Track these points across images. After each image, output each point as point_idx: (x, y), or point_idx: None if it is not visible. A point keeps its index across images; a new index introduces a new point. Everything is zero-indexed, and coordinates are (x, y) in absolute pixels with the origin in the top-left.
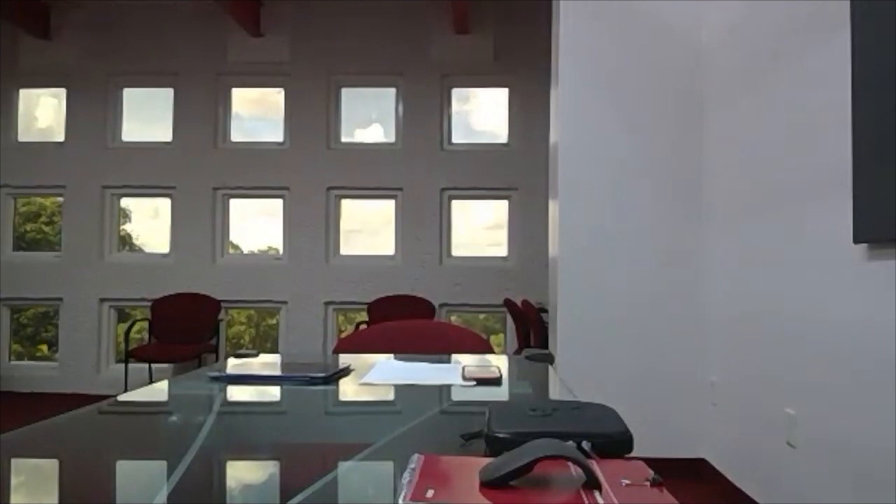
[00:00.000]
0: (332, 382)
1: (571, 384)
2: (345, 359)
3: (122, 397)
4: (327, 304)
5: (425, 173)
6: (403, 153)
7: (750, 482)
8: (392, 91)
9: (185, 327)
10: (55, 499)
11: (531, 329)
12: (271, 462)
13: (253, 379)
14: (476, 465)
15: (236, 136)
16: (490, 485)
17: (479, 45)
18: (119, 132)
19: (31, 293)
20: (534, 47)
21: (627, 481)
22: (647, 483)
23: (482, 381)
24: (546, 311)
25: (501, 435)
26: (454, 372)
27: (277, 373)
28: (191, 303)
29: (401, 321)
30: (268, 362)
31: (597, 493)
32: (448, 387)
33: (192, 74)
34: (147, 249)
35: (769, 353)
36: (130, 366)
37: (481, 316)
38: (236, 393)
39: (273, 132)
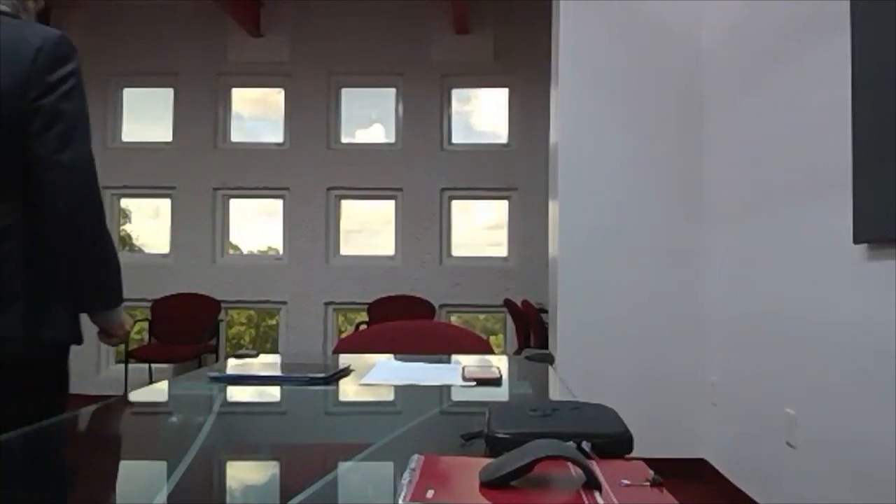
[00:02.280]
0: (332, 383)
1: (571, 384)
2: (345, 359)
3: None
4: (327, 304)
5: (425, 173)
6: (403, 153)
7: (750, 482)
8: (392, 91)
9: (185, 327)
10: (55, 499)
11: (531, 329)
12: (271, 462)
13: (253, 379)
14: (476, 465)
15: (236, 136)
16: (490, 485)
17: (479, 45)
18: (119, 132)
19: None
20: (534, 47)
21: (627, 481)
22: (647, 483)
23: (482, 382)
24: (546, 311)
25: (501, 435)
26: (454, 372)
27: (277, 373)
28: (191, 303)
29: (401, 321)
30: (268, 363)
31: (597, 494)
32: (448, 387)
33: (192, 74)
34: (147, 249)
35: (769, 353)
36: (130, 366)
37: (481, 316)
38: (236, 393)
39: (273, 132)
